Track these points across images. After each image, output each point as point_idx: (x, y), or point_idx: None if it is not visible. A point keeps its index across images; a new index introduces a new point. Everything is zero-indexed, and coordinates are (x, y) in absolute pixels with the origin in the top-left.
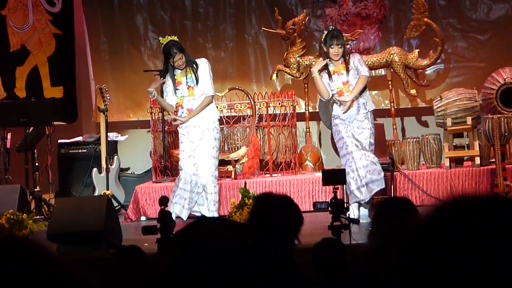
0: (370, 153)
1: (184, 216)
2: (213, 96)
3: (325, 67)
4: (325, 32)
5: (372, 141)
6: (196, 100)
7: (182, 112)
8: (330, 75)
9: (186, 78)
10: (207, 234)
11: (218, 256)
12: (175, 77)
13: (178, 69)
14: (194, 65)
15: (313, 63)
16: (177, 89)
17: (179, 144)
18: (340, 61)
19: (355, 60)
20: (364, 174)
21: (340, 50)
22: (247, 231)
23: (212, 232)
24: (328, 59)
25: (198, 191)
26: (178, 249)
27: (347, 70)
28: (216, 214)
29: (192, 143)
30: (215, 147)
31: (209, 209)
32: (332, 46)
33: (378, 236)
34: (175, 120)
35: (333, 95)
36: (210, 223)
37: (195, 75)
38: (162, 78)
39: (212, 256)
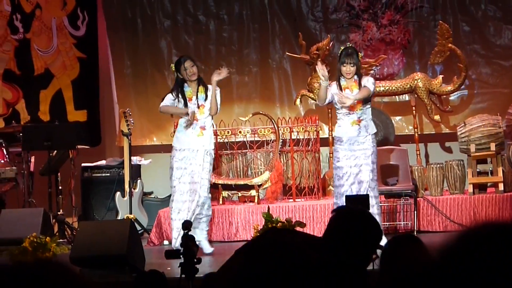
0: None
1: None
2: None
3: (337, 80)
4: (342, 48)
5: (375, 160)
6: (206, 118)
7: (196, 125)
8: (341, 90)
9: (197, 97)
10: (274, 245)
11: (281, 269)
12: (186, 94)
13: (190, 80)
14: (205, 86)
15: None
16: (188, 104)
17: (174, 169)
18: (353, 80)
19: (368, 79)
20: None
21: (352, 69)
22: (320, 244)
23: (279, 244)
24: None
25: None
26: (244, 259)
27: (359, 88)
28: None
29: (185, 169)
30: (210, 171)
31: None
32: (344, 64)
33: (399, 264)
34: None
35: (328, 103)
36: (281, 232)
37: (205, 94)
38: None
39: (275, 268)
